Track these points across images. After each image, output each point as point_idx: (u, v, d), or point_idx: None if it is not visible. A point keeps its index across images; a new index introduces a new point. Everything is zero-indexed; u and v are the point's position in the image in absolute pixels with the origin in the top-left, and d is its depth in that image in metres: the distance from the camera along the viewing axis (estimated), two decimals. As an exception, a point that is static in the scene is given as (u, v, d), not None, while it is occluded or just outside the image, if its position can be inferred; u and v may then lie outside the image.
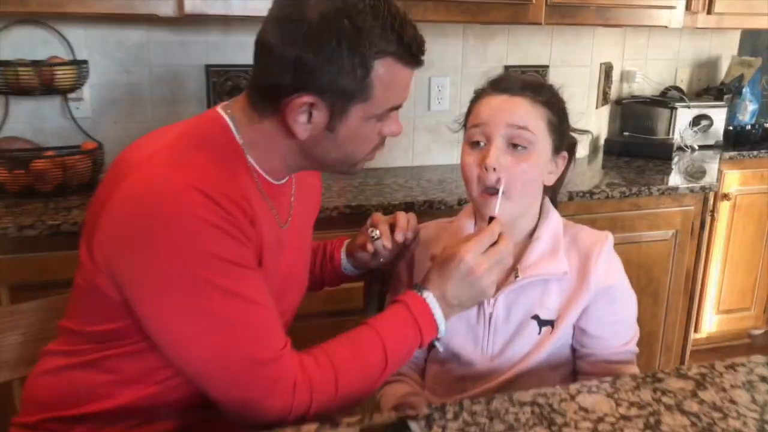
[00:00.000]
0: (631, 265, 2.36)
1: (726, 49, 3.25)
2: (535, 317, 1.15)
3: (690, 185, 2.33)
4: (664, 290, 2.41)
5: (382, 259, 1.25)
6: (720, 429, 0.89)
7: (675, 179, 2.45)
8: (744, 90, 3.06)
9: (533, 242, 1.18)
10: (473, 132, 1.15)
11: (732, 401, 0.96)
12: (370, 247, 1.23)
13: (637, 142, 2.82)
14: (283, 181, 1.09)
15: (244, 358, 0.92)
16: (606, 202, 2.24)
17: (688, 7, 2.47)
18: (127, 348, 0.99)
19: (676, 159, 2.73)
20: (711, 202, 2.48)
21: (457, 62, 2.51)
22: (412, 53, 0.98)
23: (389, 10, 0.95)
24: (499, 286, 1.16)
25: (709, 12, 2.68)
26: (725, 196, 2.85)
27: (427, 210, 2.04)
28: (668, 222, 2.35)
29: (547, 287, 1.16)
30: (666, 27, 2.41)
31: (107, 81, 2.15)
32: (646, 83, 3.07)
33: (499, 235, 1.06)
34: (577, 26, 2.50)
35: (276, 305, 1.00)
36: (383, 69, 0.95)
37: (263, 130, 1.02)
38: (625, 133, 2.93)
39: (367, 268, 1.33)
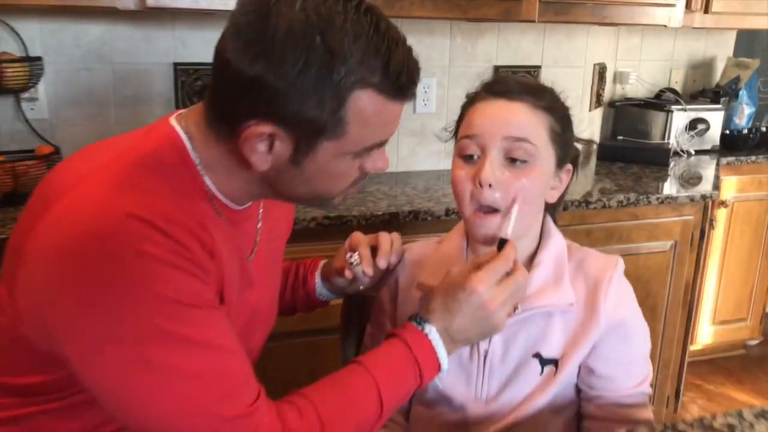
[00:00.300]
0: (629, 279, 2.21)
1: (721, 50, 3.14)
2: (537, 355, 1.00)
3: (690, 194, 2.20)
4: (662, 304, 2.29)
5: (361, 287, 1.10)
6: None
7: (674, 187, 2.33)
8: (741, 92, 2.95)
9: (534, 269, 1.03)
10: (466, 144, 1.01)
11: (770, 461, 0.82)
12: (348, 273, 1.08)
13: (632, 146, 2.69)
14: (248, 204, 0.95)
15: (209, 417, 0.77)
16: (602, 212, 2.10)
17: (688, 5, 2.34)
18: (58, 403, 0.83)
19: (672, 165, 2.61)
20: (710, 210, 2.36)
21: (444, 62, 2.36)
22: (400, 85, 0.81)
23: (377, 28, 0.78)
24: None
25: (706, 11, 2.55)
26: (722, 204, 2.74)
27: (412, 221, 1.89)
28: (667, 232, 2.22)
29: (551, 321, 1.01)
30: (665, 26, 2.28)
31: (65, 80, 1.97)
32: (639, 84, 2.95)
33: (514, 263, 0.92)
34: (571, 24, 2.37)
35: (241, 345, 0.85)
36: (362, 102, 0.79)
37: (220, 154, 0.86)
38: (619, 137, 2.80)
39: (344, 293, 1.18)
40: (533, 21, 2.00)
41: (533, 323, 1.01)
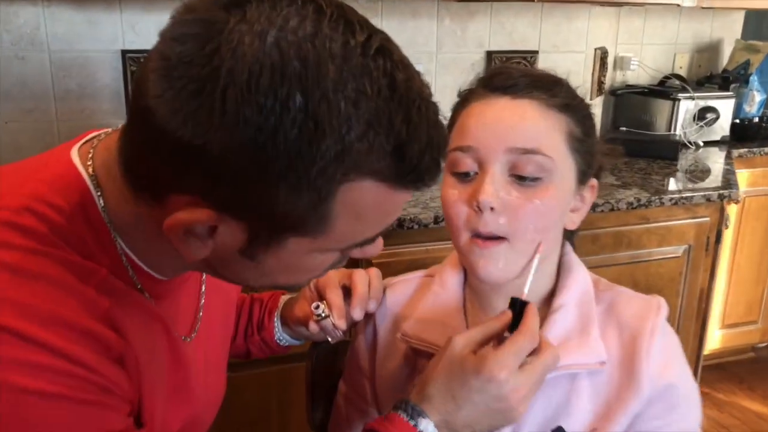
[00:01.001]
0: (639, 288, 1.99)
1: (728, 32, 2.92)
2: (558, 430, 0.77)
3: (706, 193, 1.98)
4: (674, 314, 2.08)
5: (332, 340, 0.87)
6: None
7: (686, 184, 2.10)
8: (751, 78, 2.74)
9: (552, 315, 0.80)
10: (458, 157, 0.77)
11: None
12: (313, 326, 0.84)
13: (637, 139, 2.47)
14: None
15: None
16: (609, 215, 1.88)
17: (702, -18, 2.12)
18: None
19: (680, 159, 2.39)
20: (726, 210, 2.14)
21: (430, 47, 2.13)
22: (419, 174, 0.55)
23: (392, 83, 0.51)
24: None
25: (715, -11, 2.34)
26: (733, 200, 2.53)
27: (396, 230, 1.65)
28: (680, 236, 2.00)
29: (576, 385, 0.78)
30: (678, 5, 2.04)
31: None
32: (642, 71, 2.73)
33: (540, 339, 0.70)
34: (571, 5, 2.14)
35: None
36: (358, 194, 0.54)
37: (140, 217, 0.60)
38: (621, 129, 2.58)
39: (310, 341, 0.94)
40: (533, 0, 1.76)
41: (553, 388, 0.77)
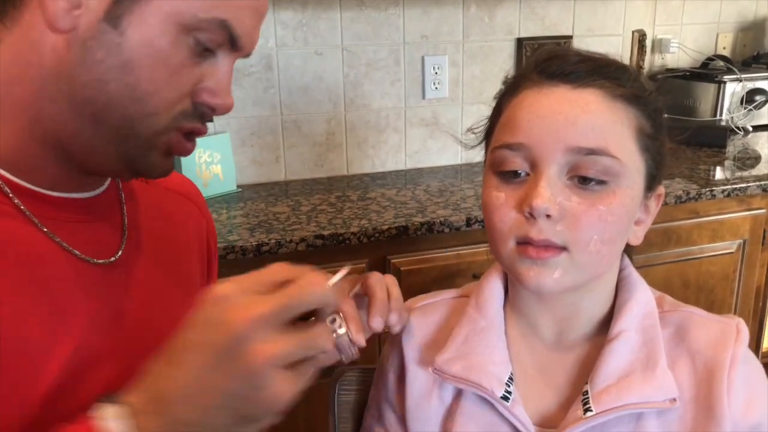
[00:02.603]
0: (690, 289, 1.87)
1: (775, 8, 2.75)
2: (624, 482, 0.65)
3: (761, 183, 1.83)
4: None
5: (346, 360, 0.75)
6: None
7: (738, 174, 1.95)
8: (803, 56, 2.56)
9: (611, 344, 0.68)
10: (506, 156, 0.66)
11: None
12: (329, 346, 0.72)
13: (681, 126, 2.32)
14: (78, 194, 0.69)
15: None
16: (656, 210, 1.74)
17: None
18: None
19: (728, 146, 2.25)
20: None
21: (456, 36, 2.01)
22: None
23: None
24: (558, 424, 0.66)
25: (763, -39, 2.18)
26: (788, 188, 2.36)
27: (425, 235, 1.54)
28: (733, 231, 1.86)
29: (642, 426, 0.66)
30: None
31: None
32: (682, 53, 2.59)
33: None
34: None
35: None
36: None
37: None
38: (665, 116, 2.43)
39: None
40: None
41: (616, 428, 0.65)
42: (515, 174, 0.66)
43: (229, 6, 0.62)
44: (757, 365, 0.69)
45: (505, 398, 0.68)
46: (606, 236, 0.64)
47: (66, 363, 0.62)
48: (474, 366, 0.70)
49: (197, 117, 0.66)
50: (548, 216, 0.63)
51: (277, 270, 0.54)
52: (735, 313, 1.94)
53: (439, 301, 0.80)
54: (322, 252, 1.48)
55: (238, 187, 1.84)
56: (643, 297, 0.71)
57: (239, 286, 0.52)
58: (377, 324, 0.69)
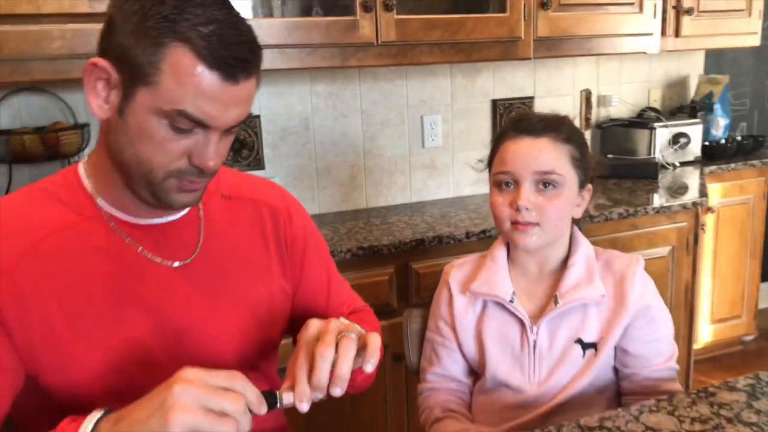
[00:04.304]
0: (634, 284, 2.42)
1: (693, 69, 3.37)
2: (579, 341, 1.19)
3: (682, 202, 2.42)
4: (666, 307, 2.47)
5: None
6: (783, 436, 0.93)
7: (666, 197, 2.54)
8: (715, 106, 3.17)
9: (569, 269, 1.22)
10: (501, 178, 1.20)
11: (786, 408, 1.00)
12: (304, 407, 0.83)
13: (622, 163, 2.90)
14: (162, 219, 0.98)
15: None
16: (605, 225, 2.30)
17: (662, 32, 2.59)
18: None
19: (660, 177, 2.82)
20: (701, 216, 2.57)
21: (446, 100, 2.58)
22: (215, 53, 0.81)
23: (208, 1, 0.83)
24: (541, 314, 1.20)
25: (677, 35, 2.79)
26: (709, 209, 2.94)
27: (436, 245, 2.07)
28: (665, 239, 2.42)
29: (587, 312, 1.20)
30: (645, 53, 2.52)
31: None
32: (622, 106, 3.17)
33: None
34: (559, 58, 2.60)
35: (168, 362, 0.88)
36: (178, 57, 0.81)
37: (96, 151, 0.95)
38: (609, 156, 3.02)
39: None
40: (529, 58, 2.23)
41: (573, 314, 1.20)
42: (507, 185, 1.20)
43: (187, 100, 0.82)
44: (648, 277, 1.24)
45: (511, 301, 1.22)
46: (559, 216, 1.18)
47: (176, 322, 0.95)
48: (493, 287, 1.23)
49: (194, 173, 0.89)
50: (527, 209, 1.17)
51: (232, 377, 0.74)
52: (670, 306, 2.50)
53: (469, 260, 1.34)
54: (362, 259, 2.00)
55: (284, 219, 2.36)
56: (585, 246, 1.26)
57: (200, 372, 0.72)
58: (311, 398, 0.82)
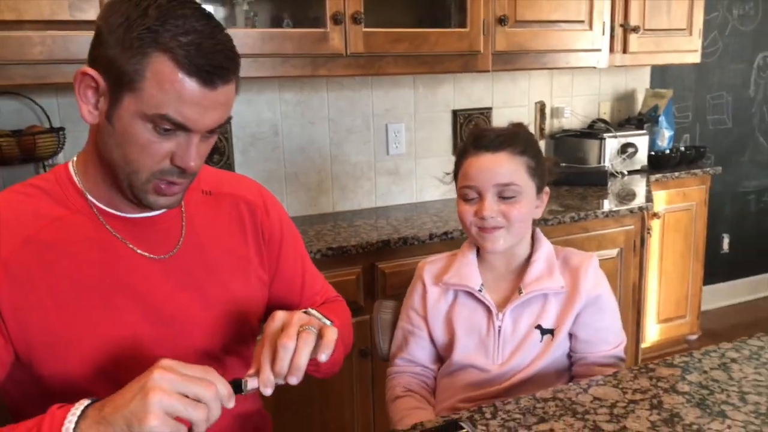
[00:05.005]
0: (585, 283, 2.57)
1: (639, 83, 3.57)
2: (538, 327, 1.31)
3: (629, 207, 2.59)
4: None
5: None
6: (710, 402, 1.07)
7: (615, 203, 2.71)
8: (660, 119, 3.37)
9: (531, 264, 1.35)
10: (466, 191, 1.32)
11: (714, 380, 1.14)
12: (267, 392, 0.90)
13: (574, 171, 3.06)
14: (147, 214, 1.03)
15: None
16: (558, 228, 2.45)
17: (611, 49, 2.77)
18: None
19: (609, 184, 2.99)
20: (647, 220, 2.74)
21: (410, 110, 2.71)
22: (194, 61, 0.88)
23: (188, 13, 0.89)
24: (506, 303, 1.32)
25: (625, 52, 2.97)
26: (655, 215, 3.13)
27: (401, 246, 2.19)
28: (613, 241, 2.58)
29: (547, 301, 1.33)
30: (594, 67, 2.69)
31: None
32: (574, 117, 3.34)
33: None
34: (515, 71, 2.75)
35: (160, 347, 0.98)
36: (160, 65, 0.87)
37: (86, 151, 1.01)
38: (562, 164, 3.18)
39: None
40: (488, 71, 2.37)
41: (534, 303, 1.32)
42: (472, 199, 1.31)
43: (169, 104, 0.88)
44: (601, 272, 1.36)
45: (480, 291, 1.33)
46: (521, 219, 1.30)
47: (166, 311, 1.01)
48: (463, 278, 1.35)
49: (175, 173, 0.94)
50: (492, 217, 1.27)
51: (206, 370, 0.80)
52: (619, 305, 2.63)
53: (441, 257, 1.45)
54: (331, 259, 2.09)
55: (254, 222, 2.44)
56: (545, 244, 1.38)
57: (177, 363, 0.78)
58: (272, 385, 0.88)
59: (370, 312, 1.51)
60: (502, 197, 1.29)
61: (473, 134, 1.36)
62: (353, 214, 2.58)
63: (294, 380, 0.87)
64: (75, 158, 1.04)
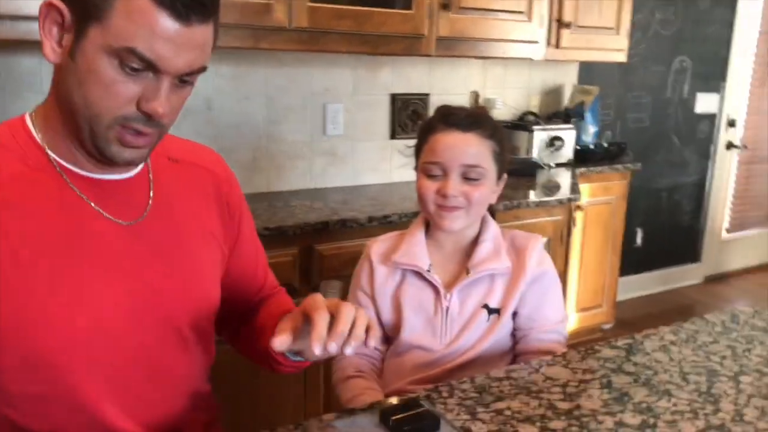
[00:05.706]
0: (515, 271, 2.63)
1: (567, 79, 3.66)
2: (485, 306, 1.32)
3: (558, 197, 2.66)
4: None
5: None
6: (656, 381, 1.11)
7: (545, 193, 2.78)
8: (586, 115, 3.49)
9: (479, 245, 1.35)
10: (431, 167, 1.31)
11: (657, 361, 1.18)
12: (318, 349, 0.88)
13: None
14: (114, 176, 0.97)
15: None
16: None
17: (548, 42, 2.83)
18: None
19: (537, 176, 3.06)
20: (573, 212, 2.83)
21: (348, 90, 2.68)
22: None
23: None
24: (454, 283, 1.32)
25: (557, 46, 3.05)
26: (578, 207, 3.23)
27: (340, 228, 2.16)
28: (542, 231, 2.64)
29: (494, 281, 1.34)
30: (531, 59, 2.74)
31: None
32: (506, 109, 3.40)
33: None
34: (454, 58, 2.77)
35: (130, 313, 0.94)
36: None
37: (46, 103, 0.93)
38: (505, 141, 3.21)
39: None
40: (431, 55, 2.37)
41: (482, 283, 1.33)
42: (435, 174, 1.30)
43: (138, 38, 0.81)
44: (546, 252, 1.39)
45: (429, 271, 1.33)
46: (481, 203, 1.31)
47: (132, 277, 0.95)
48: (412, 258, 1.34)
49: (140, 120, 0.87)
50: (454, 196, 1.27)
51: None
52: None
53: (390, 236, 1.43)
54: (267, 239, 2.03)
55: (184, 199, 2.35)
56: (493, 225, 1.39)
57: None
58: (332, 349, 0.88)
59: (305, 295, 1.47)
60: (467, 178, 1.29)
61: (443, 111, 1.35)
62: (289, 195, 2.53)
63: (349, 350, 0.88)
64: (33, 110, 0.94)
